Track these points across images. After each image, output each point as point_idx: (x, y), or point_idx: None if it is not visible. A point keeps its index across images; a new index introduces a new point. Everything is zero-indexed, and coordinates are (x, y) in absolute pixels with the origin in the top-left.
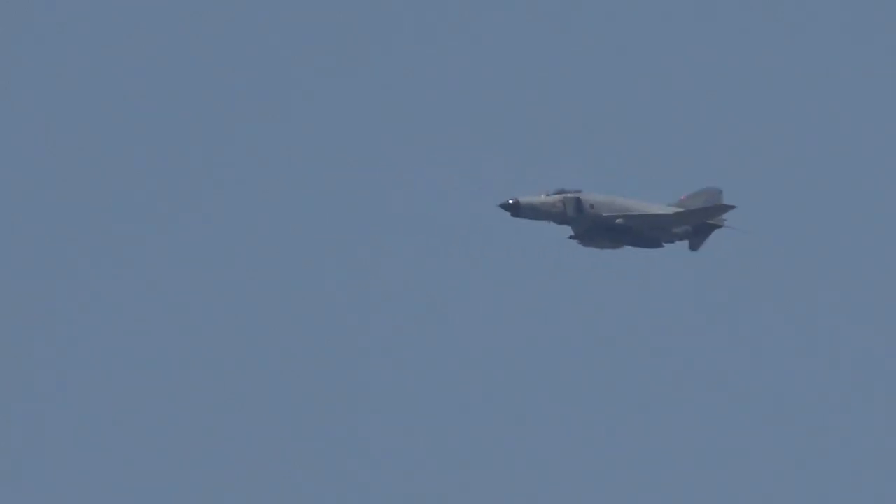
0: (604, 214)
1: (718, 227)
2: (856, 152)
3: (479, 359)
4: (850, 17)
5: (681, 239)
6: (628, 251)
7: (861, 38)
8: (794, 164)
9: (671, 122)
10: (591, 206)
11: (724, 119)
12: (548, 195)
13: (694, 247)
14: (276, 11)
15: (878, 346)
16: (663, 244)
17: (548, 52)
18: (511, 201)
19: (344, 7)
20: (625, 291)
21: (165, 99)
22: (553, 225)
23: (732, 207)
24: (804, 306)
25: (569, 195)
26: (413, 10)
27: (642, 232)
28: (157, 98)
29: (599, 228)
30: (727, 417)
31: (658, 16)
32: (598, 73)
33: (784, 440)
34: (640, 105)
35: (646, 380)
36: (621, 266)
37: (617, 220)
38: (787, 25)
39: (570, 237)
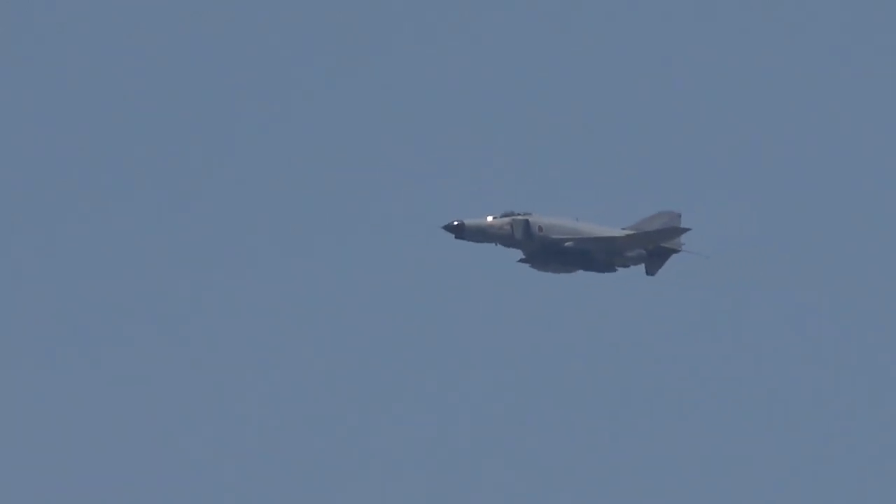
0: (553, 237)
1: (676, 251)
2: (822, 177)
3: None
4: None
5: (636, 263)
6: (582, 275)
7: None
8: (763, 188)
9: (639, 144)
10: (540, 228)
11: (695, 141)
12: (495, 217)
13: (651, 271)
14: (276, 12)
15: (829, 366)
16: (617, 268)
17: (515, 73)
18: (456, 223)
19: (338, 10)
20: (575, 315)
21: (165, 98)
22: (500, 248)
23: (686, 231)
24: (762, 329)
25: (517, 217)
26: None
27: (594, 255)
28: (156, 98)
29: (550, 252)
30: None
31: (630, 39)
32: (564, 98)
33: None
34: (608, 126)
35: (598, 404)
36: (573, 290)
37: (566, 244)
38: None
39: (521, 260)
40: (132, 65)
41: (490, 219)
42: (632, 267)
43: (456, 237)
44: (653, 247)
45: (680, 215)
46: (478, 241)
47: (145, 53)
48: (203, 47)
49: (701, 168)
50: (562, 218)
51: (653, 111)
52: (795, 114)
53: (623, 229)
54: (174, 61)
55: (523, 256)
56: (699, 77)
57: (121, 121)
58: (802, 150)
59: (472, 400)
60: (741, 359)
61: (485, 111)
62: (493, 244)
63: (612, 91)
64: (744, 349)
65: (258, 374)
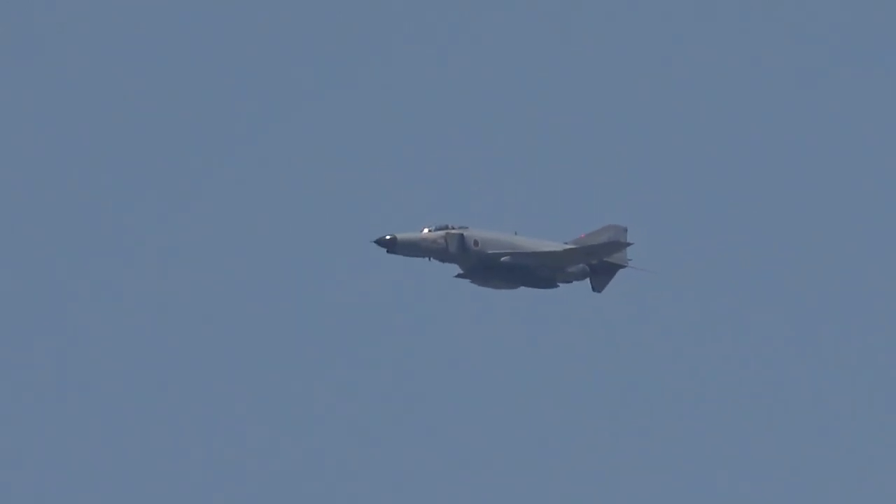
0: (489, 252)
1: (622, 266)
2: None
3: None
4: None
5: (579, 279)
6: (523, 291)
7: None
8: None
9: (589, 156)
10: (476, 243)
11: (647, 153)
12: (430, 231)
13: (597, 287)
14: (277, 14)
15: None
16: (559, 284)
17: (459, 80)
18: (388, 237)
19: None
20: (512, 332)
21: (166, 101)
22: (435, 263)
23: (627, 245)
24: (712, 348)
25: (452, 231)
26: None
27: (534, 271)
28: (157, 100)
29: (487, 267)
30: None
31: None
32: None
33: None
34: (558, 138)
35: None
36: (513, 307)
37: (502, 259)
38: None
39: (459, 275)
40: (133, 67)
41: (424, 232)
42: (575, 283)
43: (388, 252)
44: (596, 262)
45: (626, 229)
46: (411, 256)
47: (146, 54)
48: (204, 49)
49: (652, 181)
50: (500, 232)
51: (605, 124)
52: (753, 130)
53: (566, 244)
54: (175, 63)
55: (461, 272)
56: (655, 89)
57: (120, 121)
58: (754, 167)
59: (422, 417)
60: (688, 374)
61: (425, 119)
62: (427, 259)
63: (561, 102)
64: (691, 365)
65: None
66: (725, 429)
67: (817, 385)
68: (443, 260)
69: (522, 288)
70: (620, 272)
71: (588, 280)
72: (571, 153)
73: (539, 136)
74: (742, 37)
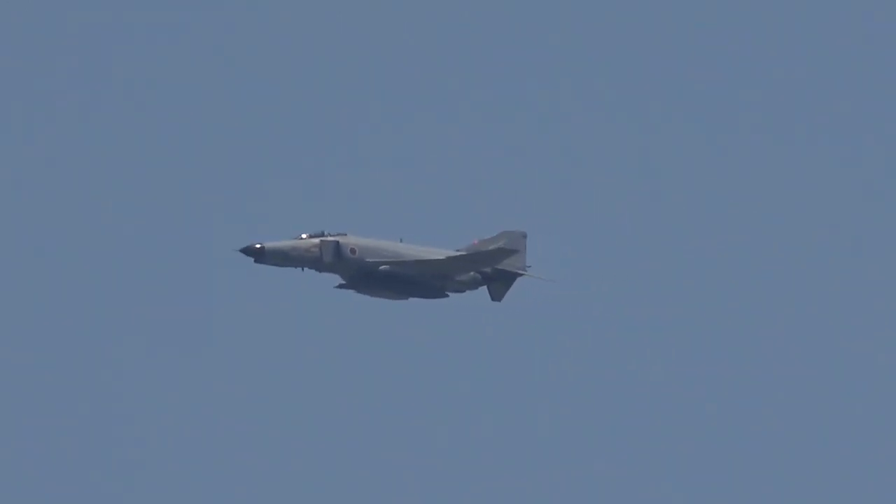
0: (367, 260)
1: (519, 274)
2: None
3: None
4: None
5: (471, 288)
6: (414, 302)
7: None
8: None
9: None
10: (353, 251)
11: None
12: (304, 238)
13: (495, 296)
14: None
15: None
16: (448, 294)
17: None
18: (258, 245)
19: None
20: (394, 345)
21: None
22: (312, 272)
23: (514, 252)
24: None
25: (327, 239)
26: None
27: (418, 280)
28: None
29: (368, 277)
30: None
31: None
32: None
33: None
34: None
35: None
36: (400, 317)
37: (381, 268)
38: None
39: (340, 286)
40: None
41: (300, 238)
42: (469, 292)
43: (256, 261)
44: (490, 270)
45: (525, 235)
46: (282, 266)
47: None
48: (206, 58)
49: (556, 187)
50: (382, 239)
51: (514, 127)
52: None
53: (457, 251)
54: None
55: (343, 282)
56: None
57: (123, 125)
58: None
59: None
60: (590, 382)
61: (309, 119)
62: (301, 269)
63: (466, 103)
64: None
65: None
66: (629, 441)
67: (723, 391)
68: (319, 269)
69: (413, 298)
70: (520, 280)
71: (485, 289)
72: (476, 158)
73: (441, 139)
74: (633, 33)
